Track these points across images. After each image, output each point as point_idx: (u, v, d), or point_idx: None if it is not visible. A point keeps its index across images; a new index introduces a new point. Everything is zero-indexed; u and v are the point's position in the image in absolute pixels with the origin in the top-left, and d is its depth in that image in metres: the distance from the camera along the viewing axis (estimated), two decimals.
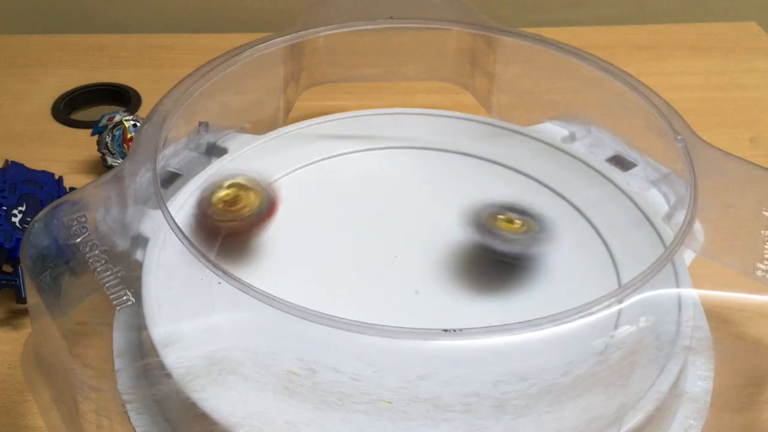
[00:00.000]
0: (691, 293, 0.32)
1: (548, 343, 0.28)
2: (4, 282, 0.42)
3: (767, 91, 0.67)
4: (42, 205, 0.47)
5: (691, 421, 0.31)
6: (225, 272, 0.29)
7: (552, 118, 0.46)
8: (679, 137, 0.37)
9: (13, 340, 0.42)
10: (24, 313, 0.44)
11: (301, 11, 0.49)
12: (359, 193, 0.41)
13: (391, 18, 0.48)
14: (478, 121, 0.46)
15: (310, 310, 0.27)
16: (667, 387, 0.29)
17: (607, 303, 0.28)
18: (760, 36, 0.74)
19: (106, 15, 0.76)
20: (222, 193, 0.36)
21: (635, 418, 0.28)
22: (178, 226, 0.31)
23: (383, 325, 0.27)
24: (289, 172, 0.42)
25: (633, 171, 0.42)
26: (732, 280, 0.32)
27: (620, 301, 0.29)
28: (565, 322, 0.27)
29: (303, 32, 0.46)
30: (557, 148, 0.43)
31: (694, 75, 0.68)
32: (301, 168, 0.43)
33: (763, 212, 0.34)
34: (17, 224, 0.45)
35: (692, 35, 0.74)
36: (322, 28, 0.46)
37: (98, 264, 0.30)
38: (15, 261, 0.43)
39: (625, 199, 0.40)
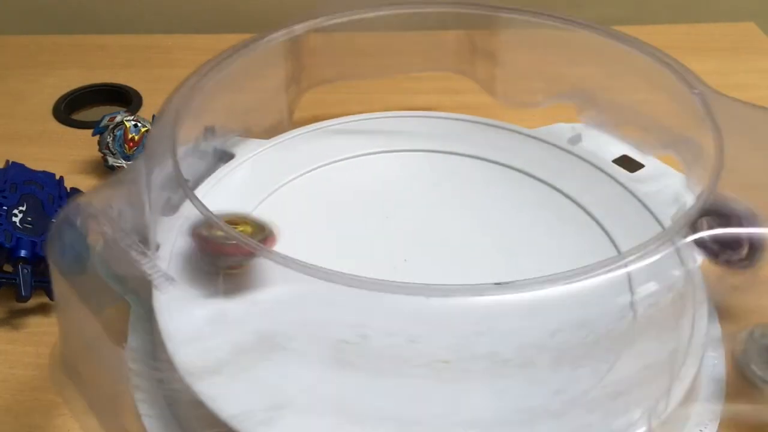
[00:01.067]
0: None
1: (603, 290, 0.27)
2: (4, 281, 0.42)
3: (767, 92, 0.67)
4: (43, 206, 0.47)
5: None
6: (265, 249, 0.29)
7: (559, 94, 0.46)
8: (696, 91, 0.37)
9: (13, 340, 0.42)
10: (23, 312, 0.44)
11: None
12: (367, 197, 0.41)
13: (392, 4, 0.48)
14: (486, 124, 0.46)
15: (362, 276, 0.27)
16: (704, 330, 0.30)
17: (656, 245, 0.28)
18: (759, 36, 0.74)
19: (106, 15, 0.76)
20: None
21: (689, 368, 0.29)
22: (214, 214, 0.31)
23: (434, 285, 0.26)
24: (297, 176, 0.42)
25: (640, 172, 0.42)
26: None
27: (671, 244, 0.28)
28: (618, 269, 0.27)
29: (304, 24, 0.46)
30: (565, 150, 0.43)
31: None
32: (308, 172, 0.43)
33: None
34: (17, 224, 0.44)
35: (692, 35, 0.74)
36: (321, 19, 0.46)
37: (135, 252, 0.30)
38: (15, 260, 0.43)
39: (633, 200, 0.40)
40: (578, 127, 0.44)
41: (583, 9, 0.78)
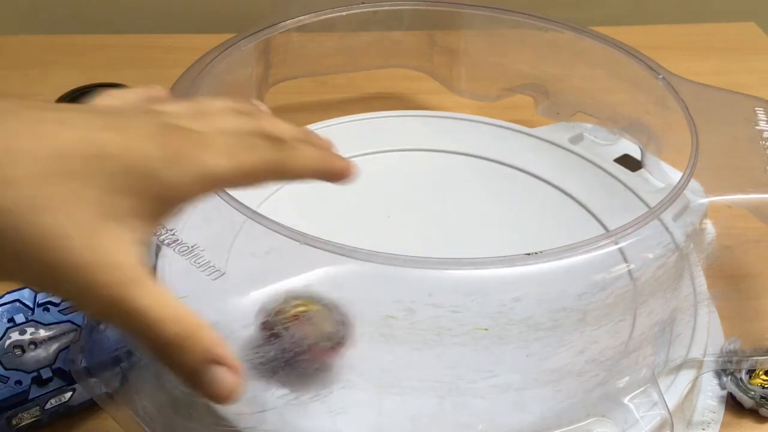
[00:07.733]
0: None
1: (617, 256, 0.30)
2: None
3: (767, 92, 0.67)
4: None
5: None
6: (306, 235, 0.30)
7: (518, 86, 0.47)
8: (660, 76, 0.39)
9: None
10: None
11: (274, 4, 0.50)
12: (368, 196, 0.41)
13: (363, 3, 0.49)
14: (485, 123, 0.46)
15: (407, 255, 0.29)
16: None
17: (656, 212, 0.32)
18: (759, 36, 0.74)
19: (106, 15, 0.76)
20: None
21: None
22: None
23: (472, 258, 0.29)
24: None
25: (640, 171, 0.42)
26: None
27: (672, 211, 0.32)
28: (629, 238, 0.30)
29: (276, 25, 0.47)
30: (565, 149, 0.44)
31: (693, 75, 0.68)
32: None
33: (754, 127, 0.38)
34: None
35: (692, 35, 0.74)
36: (290, 21, 0.47)
37: (179, 248, 0.31)
38: None
39: (635, 198, 0.40)
40: (579, 126, 0.44)
41: (584, 8, 0.78)
